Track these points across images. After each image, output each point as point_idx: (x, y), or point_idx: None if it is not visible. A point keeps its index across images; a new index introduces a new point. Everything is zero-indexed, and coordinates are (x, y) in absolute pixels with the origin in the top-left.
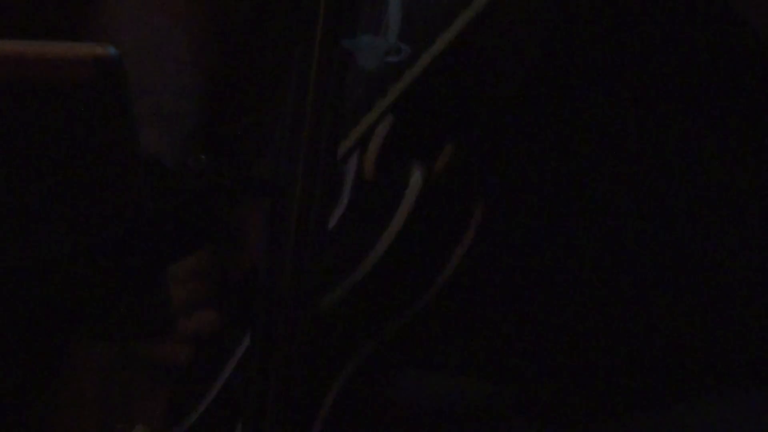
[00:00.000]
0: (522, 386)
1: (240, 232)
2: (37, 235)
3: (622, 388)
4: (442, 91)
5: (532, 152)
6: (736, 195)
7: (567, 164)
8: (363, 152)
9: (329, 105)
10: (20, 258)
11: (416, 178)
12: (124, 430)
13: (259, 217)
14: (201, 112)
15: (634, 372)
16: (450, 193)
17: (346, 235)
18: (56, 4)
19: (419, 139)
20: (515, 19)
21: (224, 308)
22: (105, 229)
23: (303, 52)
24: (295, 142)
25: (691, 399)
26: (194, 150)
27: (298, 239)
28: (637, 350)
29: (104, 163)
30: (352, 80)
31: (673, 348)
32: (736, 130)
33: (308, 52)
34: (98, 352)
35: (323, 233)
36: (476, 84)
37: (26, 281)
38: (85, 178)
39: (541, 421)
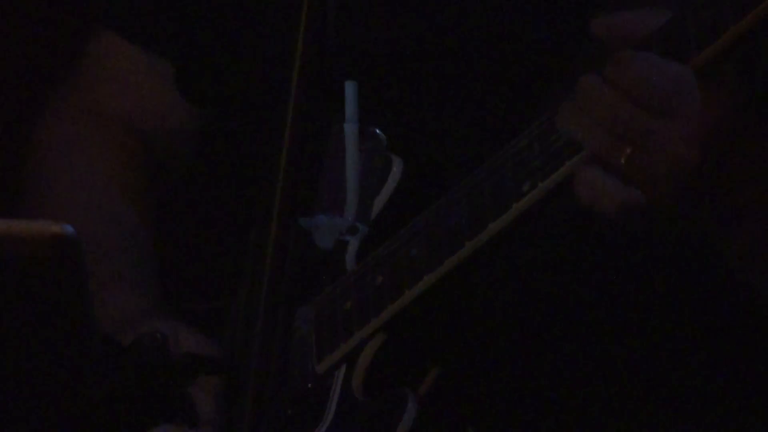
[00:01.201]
0: None
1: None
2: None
3: None
4: (435, 316)
5: (516, 381)
6: None
7: (551, 392)
8: (352, 366)
9: (285, 284)
10: None
11: (410, 409)
12: None
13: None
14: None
15: None
16: (438, 418)
17: None
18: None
19: (408, 360)
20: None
21: None
22: (60, 405)
23: (259, 231)
24: (251, 321)
25: None
26: (154, 319)
27: (252, 419)
28: None
29: (59, 338)
30: (338, 297)
31: None
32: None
33: (264, 231)
34: None
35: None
36: (467, 314)
37: None
38: (41, 354)
39: None
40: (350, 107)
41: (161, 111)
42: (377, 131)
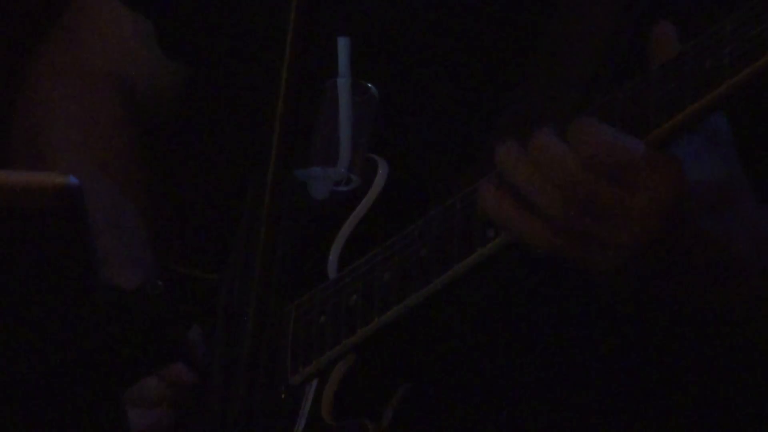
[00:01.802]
0: None
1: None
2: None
3: None
4: (405, 340)
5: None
6: None
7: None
8: (323, 383)
9: (282, 231)
10: None
11: None
12: None
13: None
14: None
15: None
16: None
17: None
18: None
19: (376, 378)
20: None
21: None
22: (66, 349)
23: (257, 181)
24: (248, 271)
25: None
26: (152, 276)
27: (249, 362)
28: None
29: (65, 285)
30: (314, 309)
31: None
32: None
33: (262, 182)
34: None
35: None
36: (434, 339)
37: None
38: (47, 300)
39: None
40: (343, 62)
41: (146, 67)
42: (369, 85)
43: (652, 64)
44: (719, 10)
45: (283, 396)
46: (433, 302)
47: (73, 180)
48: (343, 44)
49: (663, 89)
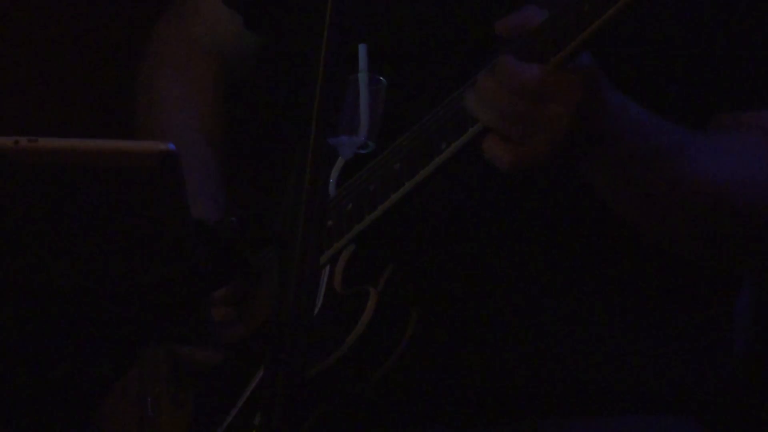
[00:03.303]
0: None
1: (259, 271)
2: (122, 274)
3: None
4: (387, 231)
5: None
6: None
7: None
8: (334, 266)
9: (321, 183)
10: (110, 287)
11: (371, 303)
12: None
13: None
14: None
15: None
16: (393, 304)
17: (322, 328)
18: None
19: (370, 260)
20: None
21: (248, 327)
22: (168, 267)
23: (302, 145)
24: (298, 206)
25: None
26: (227, 213)
27: (299, 273)
28: None
29: (164, 225)
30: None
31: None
32: None
33: (305, 145)
34: (151, 356)
35: (316, 270)
36: (409, 230)
37: (116, 303)
38: (153, 235)
39: None
40: (362, 62)
41: (233, 44)
42: (380, 78)
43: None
44: None
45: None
46: (407, 202)
47: (170, 146)
48: (362, 49)
49: (555, 29)
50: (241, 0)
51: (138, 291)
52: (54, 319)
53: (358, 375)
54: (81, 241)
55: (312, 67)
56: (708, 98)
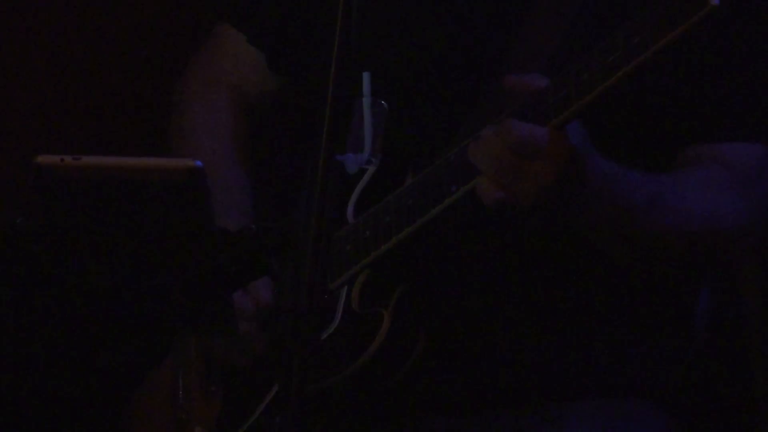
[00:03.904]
0: None
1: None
2: (155, 274)
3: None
4: (395, 261)
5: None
6: None
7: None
8: (351, 287)
9: (330, 193)
10: (144, 285)
11: (386, 324)
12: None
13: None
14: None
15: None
16: (404, 327)
17: (339, 342)
18: None
19: (383, 284)
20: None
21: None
22: (195, 268)
23: (313, 162)
24: (310, 216)
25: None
26: (249, 222)
27: (312, 270)
28: None
29: (192, 231)
30: (342, 240)
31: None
32: None
33: (315, 164)
34: (183, 349)
35: (326, 265)
36: (412, 260)
37: (150, 299)
38: (182, 240)
39: None
40: (366, 88)
41: (256, 80)
42: (382, 102)
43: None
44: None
45: (326, 296)
46: (419, 236)
47: (198, 163)
48: (366, 77)
49: (556, 95)
50: (265, 39)
51: (169, 288)
52: (96, 314)
53: (369, 386)
54: (119, 244)
55: (323, 95)
56: (671, 133)
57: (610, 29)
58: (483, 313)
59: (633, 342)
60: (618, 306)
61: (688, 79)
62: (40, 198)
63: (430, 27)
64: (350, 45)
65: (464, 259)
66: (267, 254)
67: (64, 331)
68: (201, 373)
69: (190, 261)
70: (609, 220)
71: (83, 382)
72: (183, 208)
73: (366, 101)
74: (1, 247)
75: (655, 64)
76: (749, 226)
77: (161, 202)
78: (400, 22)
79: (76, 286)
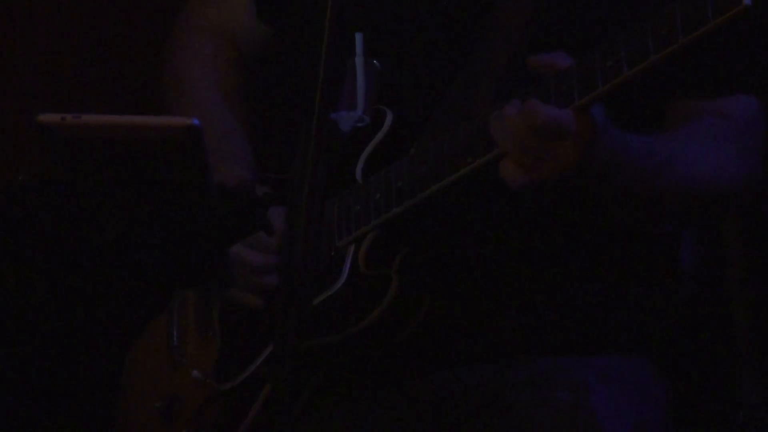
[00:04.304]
0: None
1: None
2: (156, 228)
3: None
4: (403, 223)
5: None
6: None
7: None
8: (359, 246)
9: (324, 149)
10: (145, 239)
11: (393, 287)
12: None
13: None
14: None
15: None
16: (411, 290)
17: (345, 301)
18: None
19: (390, 244)
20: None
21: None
22: (194, 221)
23: (307, 120)
24: (304, 170)
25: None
26: (247, 170)
27: (307, 227)
28: None
29: (190, 186)
30: (351, 200)
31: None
32: None
33: (309, 120)
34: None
35: (321, 221)
36: (421, 223)
37: (151, 252)
38: (180, 196)
39: None
40: (359, 48)
41: (248, 29)
42: (374, 61)
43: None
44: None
45: (332, 254)
46: (430, 202)
47: (195, 121)
48: (359, 38)
49: (580, 79)
50: None
51: (166, 243)
52: (96, 268)
53: (372, 345)
54: (119, 201)
55: (316, 53)
56: (670, 86)
57: None
58: (484, 269)
59: (621, 296)
60: (605, 260)
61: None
62: (42, 156)
63: None
64: (343, 6)
65: (470, 219)
66: (262, 208)
67: (65, 284)
68: (198, 317)
69: (187, 216)
70: (623, 188)
71: (85, 334)
72: (181, 165)
73: (359, 60)
74: (3, 203)
75: (683, 56)
76: (748, 178)
77: (160, 159)
78: None
79: (77, 241)
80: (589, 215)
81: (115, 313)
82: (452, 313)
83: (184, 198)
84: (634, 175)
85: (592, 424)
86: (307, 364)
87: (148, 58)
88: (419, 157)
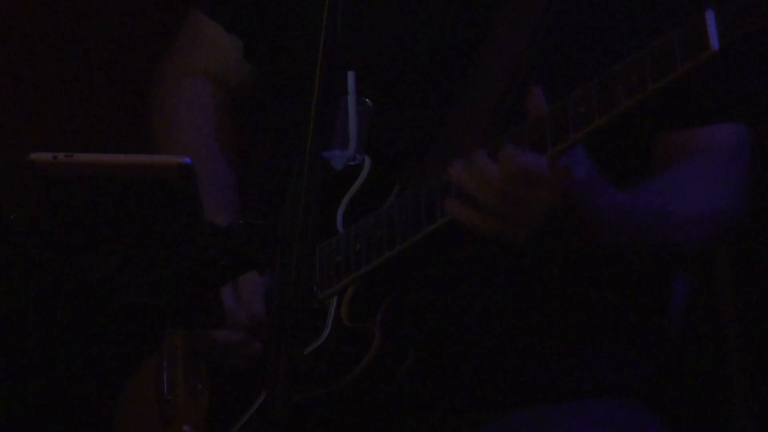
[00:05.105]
0: None
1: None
2: (146, 268)
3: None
4: (385, 274)
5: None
6: None
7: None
8: (341, 299)
9: (315, 188)
10: (135, 279)
11: (377, 342)
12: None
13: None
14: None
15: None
16: (394, 346)
17: (329, 355)
18: None
19: (372, 295)
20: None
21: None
22: (184, 262)
23: (300, 160)
24: (297, 211)
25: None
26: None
27: (298, 267)
28: None
29: (182, 226)
30: (332, 251)
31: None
32: None
33: (302, 160)
34: (168, 342)
35: (312, 259)
36: (401, 273)
37: (140, 293)
38: (172, 235)
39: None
40: (351, 86)
41: (235, 69)
42: (366, 100)
43: (530, 112)
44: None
45: (315, 306)
46: (411, 252)
47: (187, 160)
48: (351, 76)
49: (553, 126)
50: (243, 25)
51: (159, 282)
52: (87, 308)
53: (357, 398)
54: (110, 240)
55: (307, 92)
56: (653, 119)
57: (579, 29)
58: (468, 319)
59: (612, 341)
60: (591, 302)
61: None
62: (33, 195)
63: (409, 23)
64: (335, 42)
65: (451, 270)
66: (254, 249)
67: (58, 324)
68: (187, 369)
69: (179, 255)
70: (624, 246)
71: (76, 374)
72: (173, 204)
73: (351, 99)
74: None
75: (654, 101)
76: (735, 213)
77: (152, 198)
78: (379, 19)
79: (69, 280)
80: (575, 265)
81: (106, 353)
82: (440, 359)
83: (176, 236)
84: (632, 234)
85: None
86: (297, 418)
87: (134, 101)
88: (399, 205)
